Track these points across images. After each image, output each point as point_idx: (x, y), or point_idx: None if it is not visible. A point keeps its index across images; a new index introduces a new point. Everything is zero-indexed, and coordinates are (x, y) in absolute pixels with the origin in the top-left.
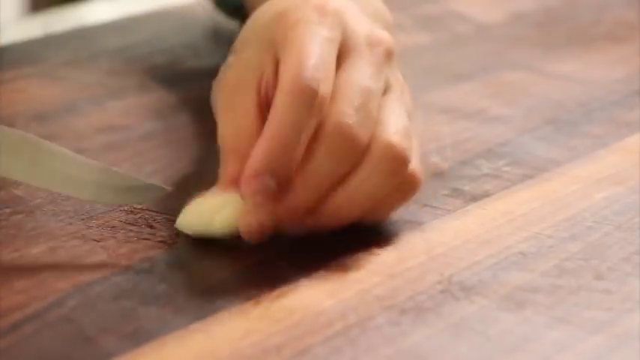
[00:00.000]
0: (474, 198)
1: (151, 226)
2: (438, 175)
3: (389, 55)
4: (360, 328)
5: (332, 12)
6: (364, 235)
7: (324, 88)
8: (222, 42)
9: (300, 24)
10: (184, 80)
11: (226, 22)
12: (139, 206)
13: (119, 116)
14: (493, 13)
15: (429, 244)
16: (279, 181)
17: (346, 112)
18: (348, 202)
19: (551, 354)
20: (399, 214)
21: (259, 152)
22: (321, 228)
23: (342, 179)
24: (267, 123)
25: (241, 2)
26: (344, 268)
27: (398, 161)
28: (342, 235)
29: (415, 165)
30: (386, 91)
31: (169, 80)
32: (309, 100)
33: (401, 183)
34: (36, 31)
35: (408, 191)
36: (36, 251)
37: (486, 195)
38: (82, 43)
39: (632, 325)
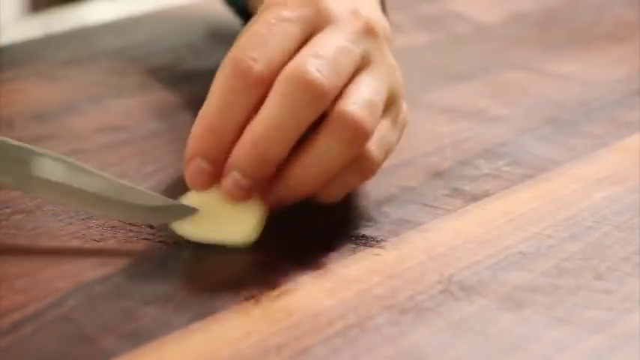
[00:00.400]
0: (474, 198)
1: (151, 226)
2: (438, 175)
3: (370, 31)
4: (360, 328)
5: None
6: (364, 235)
7: (260, 67)
8: (222, 42)
9: (267, 9)
10: (184, 80)
11: (226, 22)
12: None
13: (119, 116)
14: (492, 13)
15: (429, 244)
16: (212, 162)
17: (305, 59)
18: (304, 171)
19: (551, 354)
20: (400, 214)
21: (190, 137)
22: (280, 203)
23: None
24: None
25: (244, 5)
26: (344, 268)
27: (354, 130)
28: (342, 234)
29: (376, 147)
30: (365, 66)
31: (169, 80)
32: (239, 80)
33: (357, 161)
34: (36, 31)
35: (364, 171)
36: (36, 251)
37: (486, 195)
38: (82, 43)
39: (631, 324)
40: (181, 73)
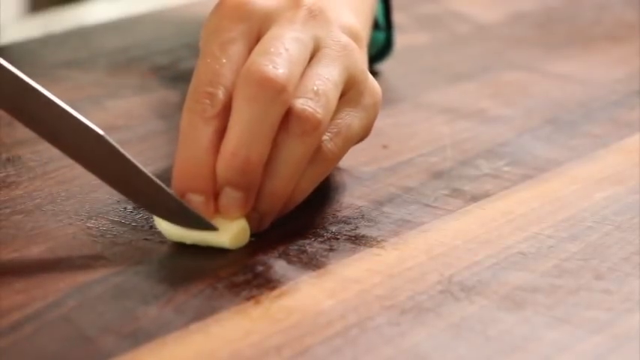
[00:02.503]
0: (474, 198)
1: (151, 226)
2: (438, 175)
3: (316, 16)
4: (360, 328)
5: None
6: (364, 235)
7: (220, 98)
8: None
9: (209, 37)
10: (184, 80)
11: None
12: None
13: (119, 116)
14: (493, 13)
15: (429, 244)
16: (201, 192)
17: (256, 59)
18: (275, 176)
19: (551, 354)
20: (400, 214)
21: (173, 176)
22: (262, 221)
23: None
24: None
25: None
26: (344, 268)
27: (304, 124)
28: (342, 234)
29: (329, 137)
30: (316, 52)
31: (169, 80)
32: (205, 112)
33: (316, 153)
34: (36, 31)
35: (323, 163)
36: (36, 251)
37: (486, 195)
38: (82, 43)
39: (631, 325)
40: (181, 73)
